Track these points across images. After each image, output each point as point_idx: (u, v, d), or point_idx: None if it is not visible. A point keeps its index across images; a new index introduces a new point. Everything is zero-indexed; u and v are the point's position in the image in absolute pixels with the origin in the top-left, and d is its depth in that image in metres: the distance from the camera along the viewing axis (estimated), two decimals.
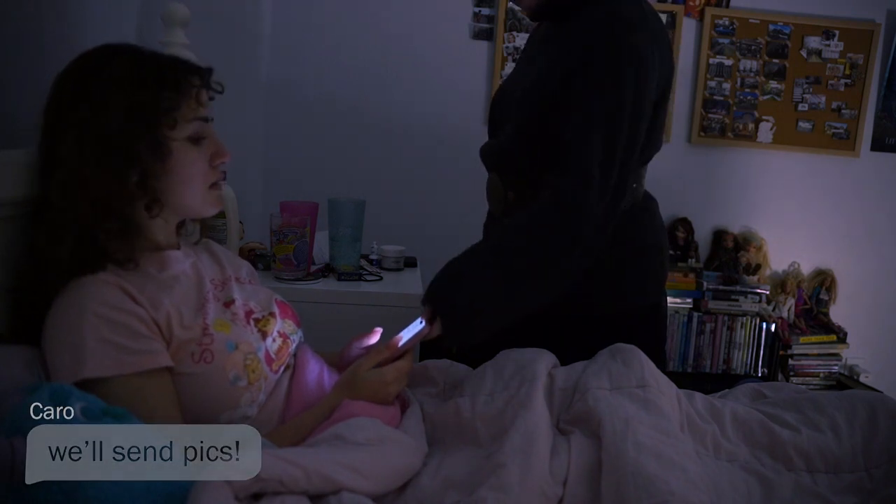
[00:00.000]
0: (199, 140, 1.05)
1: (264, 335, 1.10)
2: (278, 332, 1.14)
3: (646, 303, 1.50)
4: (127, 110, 0.98)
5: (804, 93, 3.05)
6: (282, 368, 1.13)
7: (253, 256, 1.96)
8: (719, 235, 3.11)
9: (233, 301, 1.11)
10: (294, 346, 1.19)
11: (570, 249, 1.27)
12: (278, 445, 0.98)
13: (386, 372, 1.14)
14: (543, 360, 1.23)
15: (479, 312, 1.24)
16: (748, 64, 3.03)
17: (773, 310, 3.08)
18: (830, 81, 3.05)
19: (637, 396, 1.11)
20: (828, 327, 3.08)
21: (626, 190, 1.31)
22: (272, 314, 1.16)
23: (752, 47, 3.02)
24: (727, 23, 2.99)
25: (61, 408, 0.76)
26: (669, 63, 1.40)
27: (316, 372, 1.18)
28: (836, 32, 3.02)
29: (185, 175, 1.04)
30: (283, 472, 0.83)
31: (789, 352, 3.02)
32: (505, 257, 1.26)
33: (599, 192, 1.26)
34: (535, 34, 1.60)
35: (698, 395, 1.25)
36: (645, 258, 1.48)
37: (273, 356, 1.10)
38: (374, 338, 1.24)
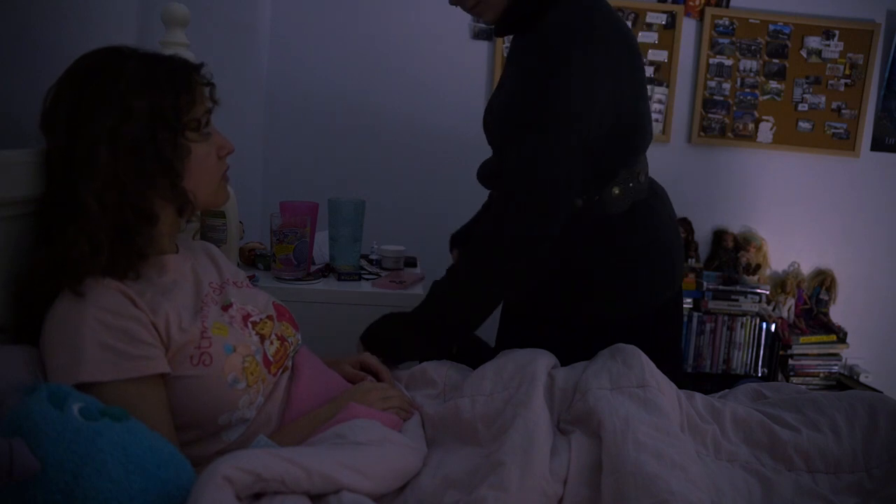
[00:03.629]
0: (208, 135, 1.09)
1: (262, 338, 1.11)
2: (276, 334, 1.15)
3: (652, 304, 1.47)
4: (152, 115, 0.99)
5: (804, 93, 3.05)
6: (280, 371, 1.13)
7: (253, 256, 1.96)
8: (719, 235, 3.11)
9: (230, 304, 1.11)
10: (292, 348, 1.19)
11: (504, 275, 1.33)
12: (280, 445, 0.98)
13: (392, 387, 1.21)
14: (543, 360, 1.23)
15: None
16: (748, 64, 3.03)
17: (773, 310, 3.08)
18: (830, 81, 3.05)
19: (637, 396, 1.11)
20: (828, 327, 3.08)
21: (567, 197, 1.32)
22: (270, 317, 1.17)
23: (752, 47, 3.02)
24: (727, 23, 2.99)
25: (59, 408, 0.76)
26: (630, 66, 1.36)
27: (314, 375, 1.18)
28: (836, 32, 3.02)
29: (202, 171, 1.07)
30: (285, 472, 0.83)
31: (789, 352, 3.02)
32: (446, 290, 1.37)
33: (524, 205, 1.29)
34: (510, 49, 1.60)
35: (698, 396, 1.25)
36: (640, 262, 1.44)
37: (271, 359, 1.10)
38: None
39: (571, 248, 1.40)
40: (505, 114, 1.37)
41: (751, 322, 3.00)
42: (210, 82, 1.10)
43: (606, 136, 1.32)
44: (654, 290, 1.47)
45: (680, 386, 1.26)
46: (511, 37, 1.48)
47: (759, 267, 3.08)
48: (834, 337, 3.05)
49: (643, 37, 2.97)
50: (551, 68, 1.26)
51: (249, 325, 1.11)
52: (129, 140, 0.98)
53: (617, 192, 1.39)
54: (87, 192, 0.97)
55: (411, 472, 1.01)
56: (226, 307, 1.10)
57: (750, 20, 3.00)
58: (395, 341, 1.38)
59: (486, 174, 1.53)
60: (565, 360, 1.29)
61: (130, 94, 0.99)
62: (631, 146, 1.39)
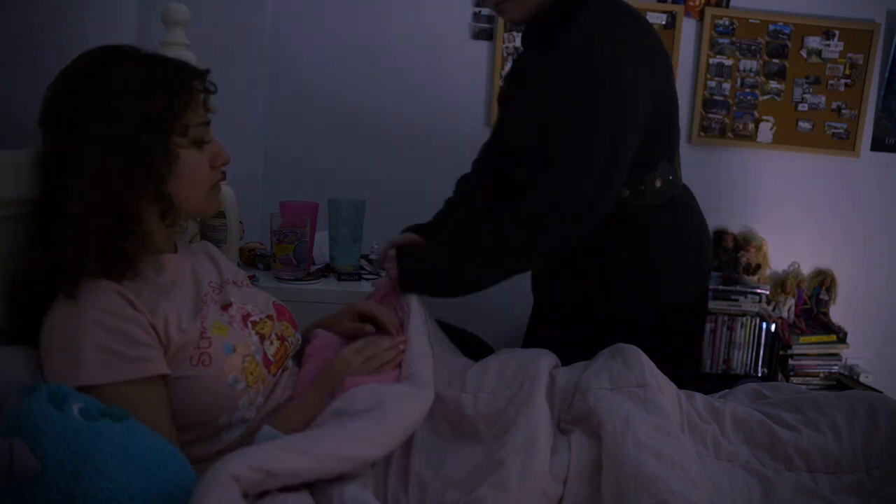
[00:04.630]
0: (202, 144, 1.07)
1: (262, 338, 1.10)
2: (276, 334, 1.14)
3: (664, 302, 1.48)
4: (142, 118, 0.99)
5: (804, 93, 3.05)
6: (280, 371, 1.13)
7: (253, 256, 1.96)
8: (719, 235, 3.11)
9: (230, 304, 1.11)
10: (292, 348, 1.19)
11: (527, 251, 1.33)
12: (284, 430, 0.98)
13: (378, 339, 1.21)
14: (545, 360, 1.23)
15: (433, 274, 1.37)
16: (748, 64, 3.03)
17: (773, 310, 3.08)
18: (830, 81, 3.05)
19: (637, 396, 1.11)
20: (828, 327, 3.08)
21: (605, 199, 1.32)
22: (269, 317, 1.16)
23: (752, 47, 3.02)
24: (727, 23, 2.99)
25: (59, 408, 0.76)
26: (663, 73, 1.40)
27: (318, 365, 1.18)
28: (836, 32, 3.01)
29: (190, 179, 1.06)
30: (296, 464, 0.83)
31: (789, 352, 3.02)
32: (470, 240, 1.36)
33: (570, 200, 1.29)
34: (528, 62, 1.54)
35: (698, 396, 1.25)
36: (656, 259, 1.46)
37: (271, 359, 1.10)
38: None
39: (609, 240, 1.42)
40: (549, 126, 1.36)
41: (751, 322, 2.99)
42: (206, 89, 1.08)
43: (648, 130, 1.34)
44: (699, 280, 1.54)
45: (681, 386, 1.26)
46: (518, 48, 1.50)
47: (759, 267, 3.08)
48: (834, 337, 3.04)
49: None
50: (594, 76, 1.28)
51: (249, 325, 1.11)
52: (116, 142, 0.97)
53: (659, 184, 1.41)
54: (73, 193, 0.96)
55: (418, 419, 1.03)
56: (225, 307, 1.10)
57: (750, 20, 3.00)
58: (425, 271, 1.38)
59: (489, 181, 1.54)
60: (566, 359, 1.29)
61: (122, 96, 0.98)
62: (670, 138, 1.42)
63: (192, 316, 1.03)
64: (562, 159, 1.30)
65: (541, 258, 1.37)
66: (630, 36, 1.33)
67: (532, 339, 1.56)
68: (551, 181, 1.30)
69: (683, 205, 1.49)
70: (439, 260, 1.38)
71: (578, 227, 1.31)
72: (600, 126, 1.27)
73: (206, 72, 1.09)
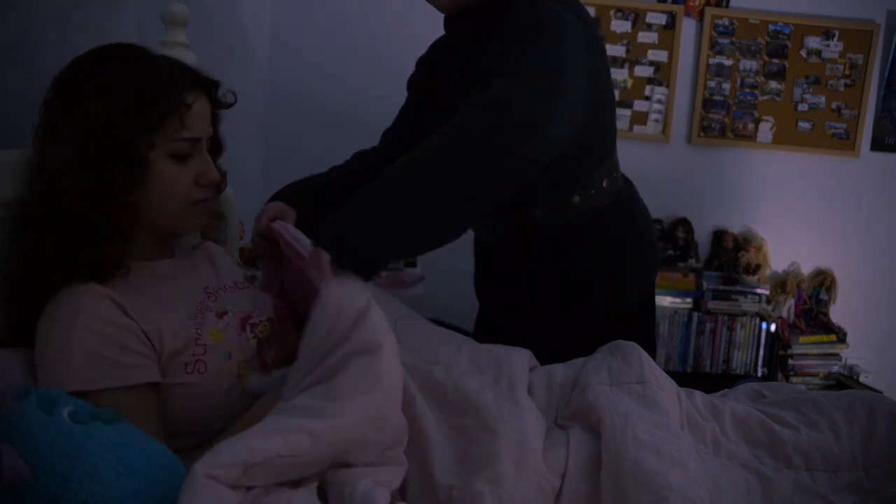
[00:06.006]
0: (184, 158, 1.03)
1: (260, 341, 1.09)
2: (275, 337, 1.13)
3: (639, 301, 1.49)
4: (108, 124, 0.95)
5: (804, 93, 3.05)
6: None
7: (253, 256, 1.96)
8: (719, 235, 3.11)
9: (226, 312, 1.09)
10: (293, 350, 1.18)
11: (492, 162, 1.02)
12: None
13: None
14: (521, 359, 1.20)
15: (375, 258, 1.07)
16: (748, 64, 3.03)
17: (773, 310, 3.08)
18: (830, 81, 3.05)
19: (636, 393, 1.11)
20: (828, 327, 3.08)
21: (556, 126, 1.06)
22: (270, 319, 1.15)
23: (752, 47, 3.02)
24: (727, 23, 3.00)
25: (49, 413, 0.75)
26: (602, 55, 1.33)
27: None
28: (836, 32, 3.02)
29: (163, 191, 1.02)
30: (280, 445, 0.78)
31: (789, 352, 3.02)
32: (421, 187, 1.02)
33: (521, 110, 1.02)
34: (467, 53, 1.40)
35: (698, 394, 1.25)
36: (625, 257, 1.46)
37: (269, 362, 1.09)
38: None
39: (569, 249, 1.41)
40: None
41: (751, 322, 3.00)
42: (216, 102, 1.06)
43: (592, 118, 1.27)
44: (651, 279, 1.51)
45: (682, 384, 1.26)
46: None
47: (759, 267, 3.08)
48: (834, 337, 3.05)
49: (643, 37, 2.97)
50: (544, 31, 1.13)
51: (248, 328, 1.09)
52: (78, 144, 0.95)
53: (605, 184, 1.40)
54: (34, 193, 0.96)
55: (398, 381, 0.95)
56: (221, 314, 1.08)
57: (750, 20, 3.00)
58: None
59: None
60: (566, 359, 1.29)
61: (97, 97, 0.96)
62: (611, 128, 1.40)
63: (187, 322, 1.01)
64: (519, 76, 1.06)
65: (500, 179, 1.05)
66: (569, 14, 1.23)
67: (528, 338, 1.55)
68: (502, 88, 1.04)
69: (629, 197, 1.47)
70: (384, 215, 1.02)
71: (525, 146, 1.02)
72: (554, 65, 1.09)
73: (204, 83, 1.05)
